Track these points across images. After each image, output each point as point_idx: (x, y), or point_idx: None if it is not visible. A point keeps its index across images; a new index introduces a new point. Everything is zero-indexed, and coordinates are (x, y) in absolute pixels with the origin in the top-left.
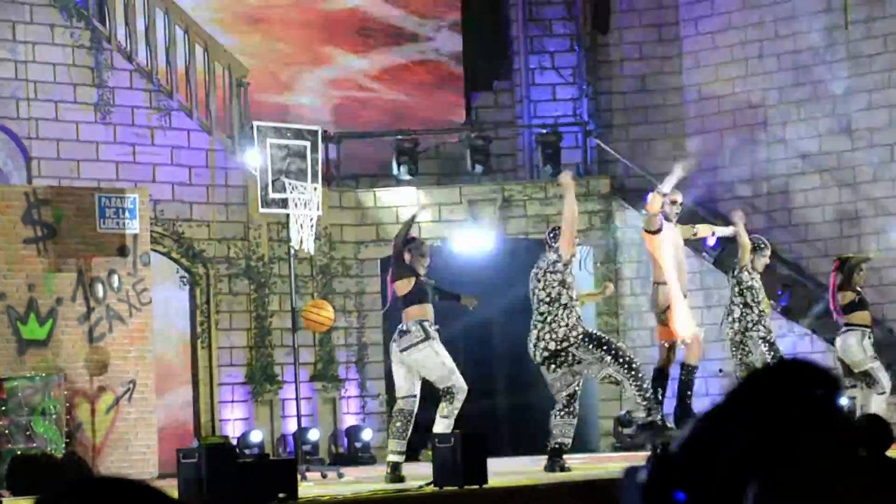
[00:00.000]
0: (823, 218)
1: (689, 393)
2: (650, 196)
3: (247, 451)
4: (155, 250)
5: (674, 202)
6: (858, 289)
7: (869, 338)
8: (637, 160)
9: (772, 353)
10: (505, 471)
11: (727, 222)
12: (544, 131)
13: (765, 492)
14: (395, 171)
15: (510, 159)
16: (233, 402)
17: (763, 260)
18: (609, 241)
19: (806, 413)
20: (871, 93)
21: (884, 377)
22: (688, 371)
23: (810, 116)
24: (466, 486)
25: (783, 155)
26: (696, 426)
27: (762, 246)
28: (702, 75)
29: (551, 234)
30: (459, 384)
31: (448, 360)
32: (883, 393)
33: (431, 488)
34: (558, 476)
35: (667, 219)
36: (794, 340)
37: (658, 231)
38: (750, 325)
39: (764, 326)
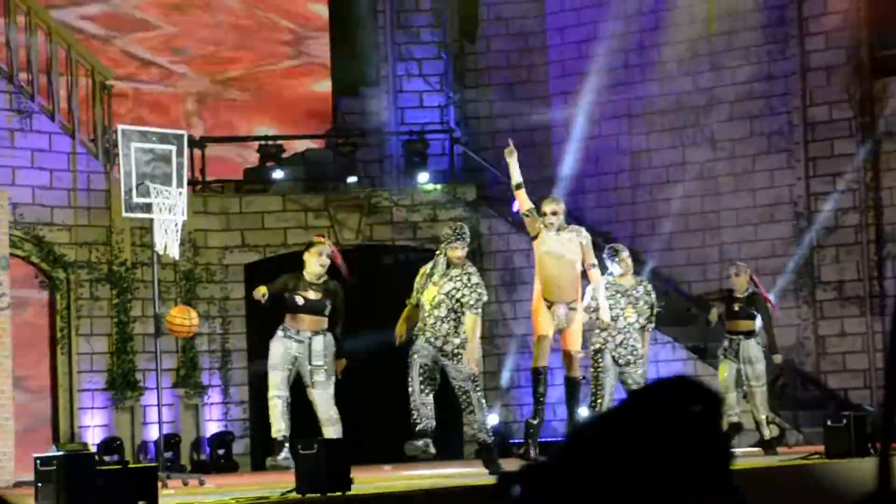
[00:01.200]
0: (686, 227)
1: (574, 408)
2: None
3: (107, 459)
4: (14, 254)
5: (554, 213)
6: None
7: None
8: (503, 168)
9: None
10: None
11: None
12: (411, 138)
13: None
14: (260, 177)
15: (377, 166)
16: (93, 408)
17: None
18: (474, 248)
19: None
20: (732, 104)
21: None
22: (567, 384)
23: (673, 126)
24: (329, 493)
25: (647, 164)
26: (573, 437)
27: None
28: (567, 84)
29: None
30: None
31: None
32: None
33: (293, 495)
34: (422, 483)
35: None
36: (657, 349)
37: (535, 237)
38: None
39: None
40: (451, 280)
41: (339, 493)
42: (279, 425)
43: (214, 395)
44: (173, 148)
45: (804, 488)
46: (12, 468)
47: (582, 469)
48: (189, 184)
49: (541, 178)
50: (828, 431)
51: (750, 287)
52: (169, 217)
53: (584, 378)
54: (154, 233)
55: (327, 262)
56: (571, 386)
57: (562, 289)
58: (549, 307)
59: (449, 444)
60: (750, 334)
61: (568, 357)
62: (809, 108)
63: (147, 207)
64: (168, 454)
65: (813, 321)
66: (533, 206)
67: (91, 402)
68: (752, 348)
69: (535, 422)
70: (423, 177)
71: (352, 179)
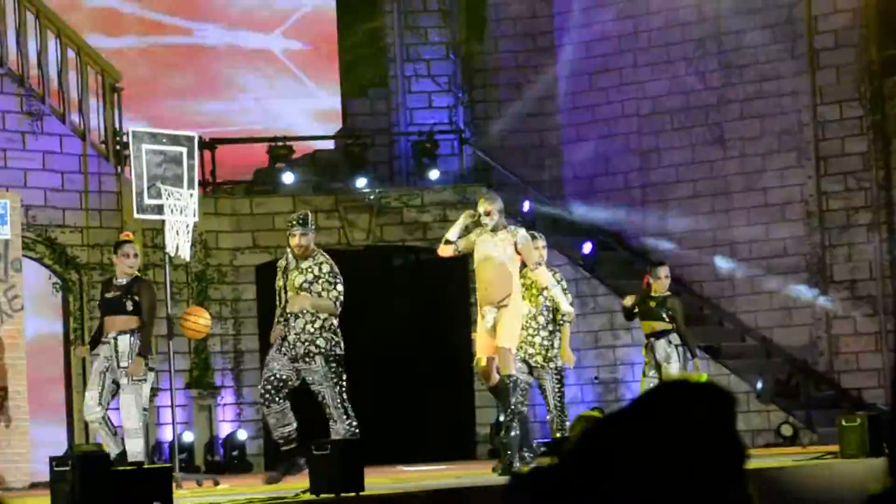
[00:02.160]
0: (698, 226)
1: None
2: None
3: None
4: (27, 256)
5: (487, 213)
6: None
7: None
8: (512, 168)
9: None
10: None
11: (604, 231)
12: (420, 139)
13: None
14: (271, 178)
15: (386, 167)
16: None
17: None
18: None
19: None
20: (742, 103)
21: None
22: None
23: (683, 126)
24: (342, 494)
25: (657, 164)
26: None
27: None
28: (576, 84)
29: None
30: None
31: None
32: None
33: (307, 496)
34: (440, 483)
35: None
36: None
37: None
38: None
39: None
40: (301, 273)
41: (352, 494)
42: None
43: (227, 396)
44: (184, 149)
45: (818, 488)
46: (28, 469)
47: (594, 470)
48: (200, 185)
49: (551, 179)
50: (842, 431)
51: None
52: (180, 218)
53: (510, 377)
54: (166, 234)
55: (135, 261)
56: (501, 384)
57: (489, 292)
58: (483, 317)
59: (462, 444)
60: (662, 335)
61: (497, 353)
62: (819, 106)
63: (159, 209)
64: (182, 455)
65: (826, 321)
66: (454, 240)
67: None
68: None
69: (506, 438)
70: (432, 177)
71: (362, 180)
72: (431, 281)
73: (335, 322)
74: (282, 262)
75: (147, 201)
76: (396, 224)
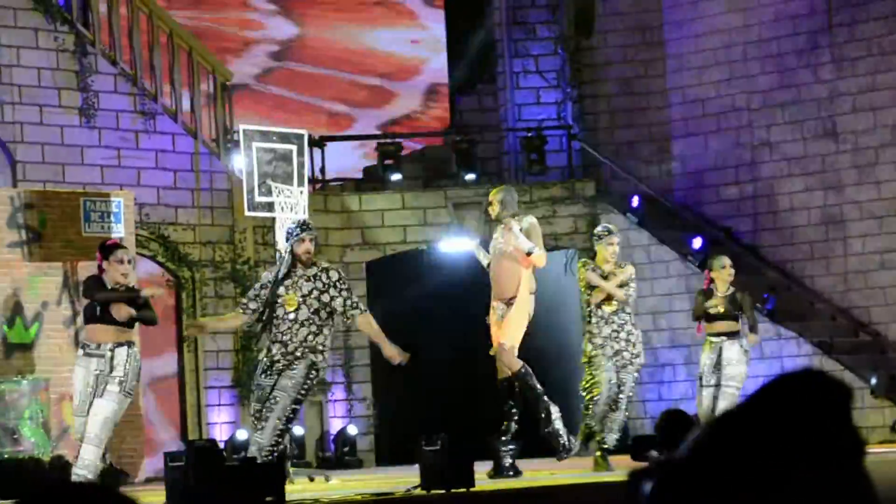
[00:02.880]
0: (809, 221)
1: (511, 410)
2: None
3: (234, 455)
4: (140, 254)
5: (490, 204)
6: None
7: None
8: (621, 163)
9: None
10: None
11: (714, 226)
12: (529, 134)
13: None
14: (380, 175)
15: (494, 162)
16: (219, 405)
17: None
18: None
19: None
20: (855, 96)
21: (705, 396)
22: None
23: (794, 119)
24: (453, 490)
25: (768, 158)
26: (705, 434)
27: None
28: (686, 78)
29: None
30: None
31: None
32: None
33: (419, 491)
34: (557, 480)
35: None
36: (781, 344)
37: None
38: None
39: None
40: (309, 280)
41: (462, 490)
42: None
43: (338, 392)
44: (294, 147)
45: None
46: (143, 465)
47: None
48: (309, 182)
49: (661, 174)
50: None
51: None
52: (290, 215)
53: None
54: (276, 231)
55: (129, 269)
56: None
57: (500, 286)
58: (494, 310)
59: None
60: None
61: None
62: None
63: (269, 206)
64: (293, 451)
65: None
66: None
67: (217, 399)
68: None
69: (549, 427)
70: (541, 173)
71: (470, 177)
72: (541, 276)
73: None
74: (271, 272)
75: (258, 199)
76: None
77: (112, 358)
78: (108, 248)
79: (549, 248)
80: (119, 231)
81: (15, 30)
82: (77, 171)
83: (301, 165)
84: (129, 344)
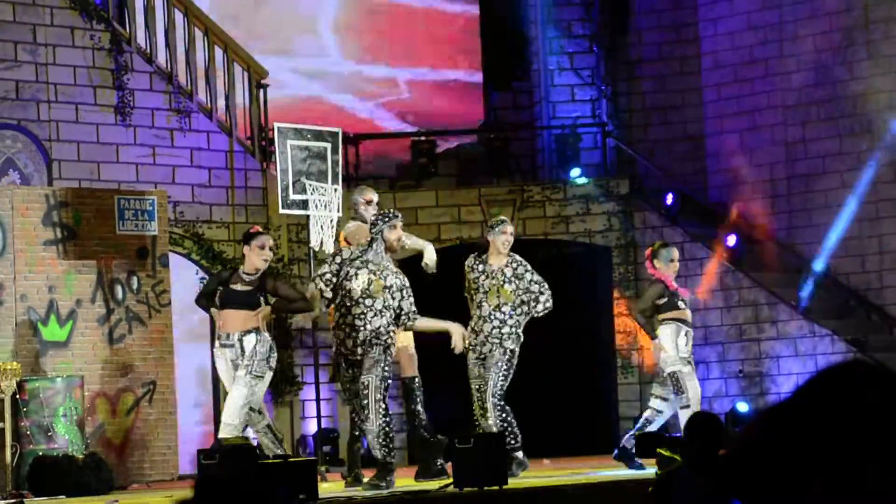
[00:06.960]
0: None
1: (412, 408)
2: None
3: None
4: (174, 252)
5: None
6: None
7: (686, 335)
8: (656, 161)
9: None
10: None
11: (754, 226)
12: (563, 132)
13: (827, 494)
14: (413, 173)
15: (529, 160)
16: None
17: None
18: (628, 241)
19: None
20: (891, 92)
21: (692, 388)
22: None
23: (829, 116)
24: (486, 488)
25: (803, 155)
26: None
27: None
28: (721, 76)
29: None
30: None
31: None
32: (687, 407)
33: (451, 489)
34: (588, 478)
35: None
36: (815, 342)
37: None
38: None
39: None
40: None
41: (495, 488)
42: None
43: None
44: (328, 145)
45: None
46: (177, 462)
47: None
48: (343, 180)
49: (695, 171)
50: None
51: None
52: (324, 213)
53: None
54: (310, 229)
55: (270, 255)
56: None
57: None
58: None
59: (603, 437)
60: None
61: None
62: None
63: (303, 204)
64: (327, 448)
65: None
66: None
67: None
68: None
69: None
70: (575, 171)
71: (505, 175)
72: (574, 274)
73: None
74: (352, 255)
75: (292, 196)
76: (539, 218)
77: (241, 345)
78: (250, 234)
79: (583, 246)
80: (153, 229)
81: (51, 28)
82: (112, 170)
83: (335, 163)
84: (257, 331)
